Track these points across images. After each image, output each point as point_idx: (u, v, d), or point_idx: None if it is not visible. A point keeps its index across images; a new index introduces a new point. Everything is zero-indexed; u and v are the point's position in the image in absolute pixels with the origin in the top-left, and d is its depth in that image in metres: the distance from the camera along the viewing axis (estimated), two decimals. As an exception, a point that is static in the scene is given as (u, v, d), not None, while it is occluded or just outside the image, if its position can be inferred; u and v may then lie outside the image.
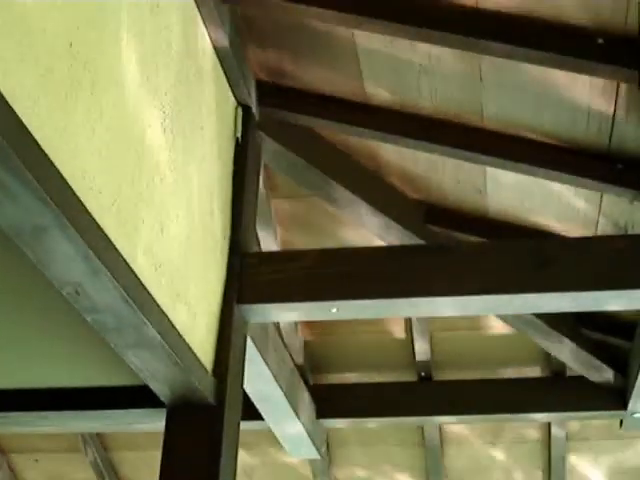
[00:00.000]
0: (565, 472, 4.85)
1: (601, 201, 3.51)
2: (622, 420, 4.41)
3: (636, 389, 3.98)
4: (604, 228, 3.65)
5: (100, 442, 5.01)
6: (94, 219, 2.11)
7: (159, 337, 2.48)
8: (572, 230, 3.80)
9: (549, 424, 4.72)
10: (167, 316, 2.58)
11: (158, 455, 2.93)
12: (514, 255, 3.01)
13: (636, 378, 3.87)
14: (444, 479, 5.00)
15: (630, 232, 3.58)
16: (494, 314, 4.05)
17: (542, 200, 3.74)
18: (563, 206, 3.70)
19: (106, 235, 2.18)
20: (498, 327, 4.35)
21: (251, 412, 3.91)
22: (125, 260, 2.29)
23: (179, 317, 2.68)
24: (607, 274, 2.92)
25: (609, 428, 4.82)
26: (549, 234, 3.88)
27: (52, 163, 1.89)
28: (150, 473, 4.02)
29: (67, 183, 1.97)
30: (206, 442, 2.89)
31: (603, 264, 2.94)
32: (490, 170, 3.60)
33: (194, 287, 2.86)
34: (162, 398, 2.90)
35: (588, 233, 3.73)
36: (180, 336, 2.67)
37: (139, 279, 2.39)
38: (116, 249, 2.24)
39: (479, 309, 3.18)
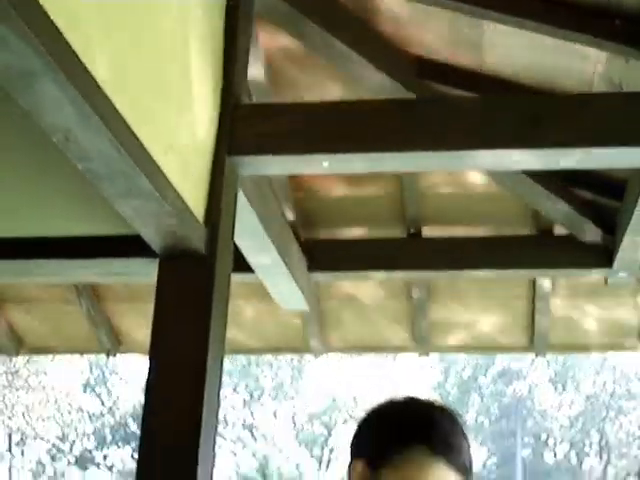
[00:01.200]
0: (549, 327, 4.97)
1: (597, 58, 3.47)
2: (607, 278, 4.49)
3: (623, 248, 4.04)
4: (599, 86, 3.61)
5: (94, 294, 5.09)
6: (84, 65, 2.09)
7: (150, 186, 2.49)
8: (567, 88, 3.77)
9: (534, 281, 4.80)
10: (158, 165, 2.58)
11: (151, 307, 2.99)
12: (507, 111, 3.00)
13: (623, 237, 3.92)
14: (431, 333, 5.12)
15: (625, 90, 3.55)
16: (483, 171, 4.06)
17: (538, 57, 3.70)
18: (559, 63, 3.66)
19: (95, 81, 2.16)
20: (488, 185, 4.37)
21: (242, 264, 3.96)
22: (115, 108, 2.28)
23: (170, 167, 2.68)
24: (603, 131, 2.91)
25: (594, 286, 4.91)
26: (544, 92, 3.85)
27: (41, 7, 1.86)
28: (143, 324, 4.11)
29: (57, 29, 1.94)
30: (198, 292, 2.94)
31: (599, 121, 2.93)
32: (487, 24, 3.53)
33: (186, 138, 2.86)
34: (154, 248, 2.94)
35: (583, 91, 3.70)
36: (171, 186, 2.68)
37: (130, 128, 2.38)
38: (106, 96, 2.23)
39: (467, 165, 3.19)
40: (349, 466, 1.72)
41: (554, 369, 55.71)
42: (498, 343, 5.23)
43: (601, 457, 57.37)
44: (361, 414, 1.86)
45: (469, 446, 1.68)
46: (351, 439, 1.78)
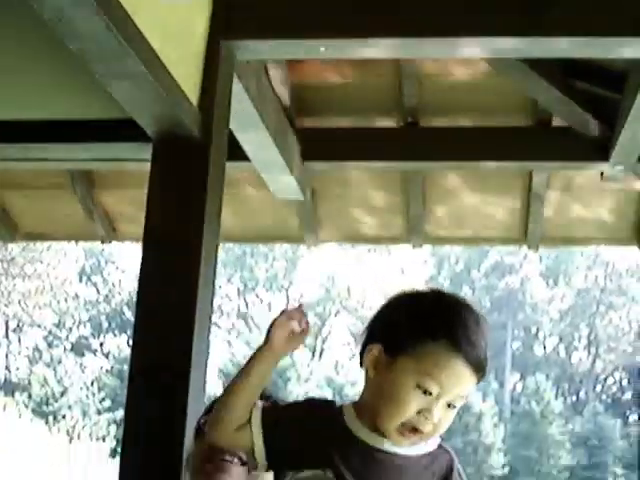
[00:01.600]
0: (543, 220, 4.97)
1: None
2: (603, 172, 4.47)
3: (620, 141, 4.00)
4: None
5: (89, 181, 5.06)
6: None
7: (143, 68, 2.45)
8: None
9: (531, 174, 4.78)
10: (152, 48, 2.53)
11: (145, 194, 2.97)
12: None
13: (621, 130, 3.88)
14: (426, 225, 5.11)
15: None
16: (483, 57, 3.98)
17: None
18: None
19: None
20: (487, 75, 4.30)
21: (237, 153, 3.93)
22: (108, -12, 2.22)
23: (165, 50, 2.63)
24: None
25: (590, 180, 4.89)
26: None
27: None
28: (138, 212, 4.10)
29: None
30: (192, 177, 2.92)
31: (596, 7, 2.86)
32: None
33: (181, 23, 2.80)
34: (148, 132, 2.91)
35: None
36: (165, 69, 2.64)
37: (124, 9, 2.32)
38: (99, -25, 2.17)
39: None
40: (363, 348, 1.74)
41: (546, 263, 56.24)
42: (492, 235, 5.25)
43: (589, 351, 58.39)
44: (370, 302, 1.87)
45: (487, 347, 1.69)
46: (371, 321, 1.79)
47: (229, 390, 1.73)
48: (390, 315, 1.77)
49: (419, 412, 1.66)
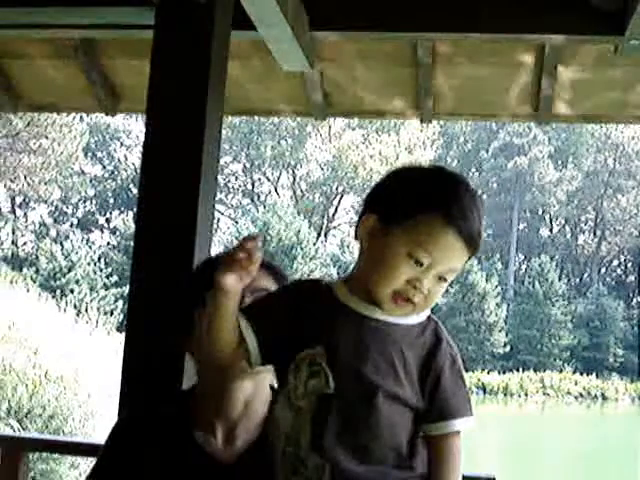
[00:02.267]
0: (555, 95, 4.88)
1: None
2: (617, 46, 4.35)
3: (636, 15, 3.88)
4: None
5: (92, 50, 4.96)
6: None
7: None
8: None
9: (543, 47, 4.66)
10: None
11: (148, 64, 2.89)
12: None
13: (637, 4, 3.75)
14: (435, 99, 5.03)
15: None
16: None
17: None
18: None
19: None
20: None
21: (243, 21, 3.82)
22: None
23: None
24: None
25: (604, 54, 4.76)
26: None
27: None
28: (142, 82, 4.02)
29: None
30: (196, 44, 2.83)
31: None
32: None
33: None
34: (150, -9, 2.81)
35: None
36: None
37: None
38: None
39: None
40: (359, 219, 1.73)
41: (555, 145, 55.97)
42: (503, 111, 5.16)
43: (595, 233, 58.76)
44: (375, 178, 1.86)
45: (482, 226, 1.68)
46: (368, 193, 1.78)
47: (206, 341, 1.77)
48: (387, 186, 1.76)
49: (409, 281, 1.66)
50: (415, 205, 1.67)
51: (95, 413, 11.38)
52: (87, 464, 10.47)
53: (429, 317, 1.75)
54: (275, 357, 1.75)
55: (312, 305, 1.74)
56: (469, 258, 1.72)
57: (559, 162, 56.36)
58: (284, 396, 1.71)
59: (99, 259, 36.40)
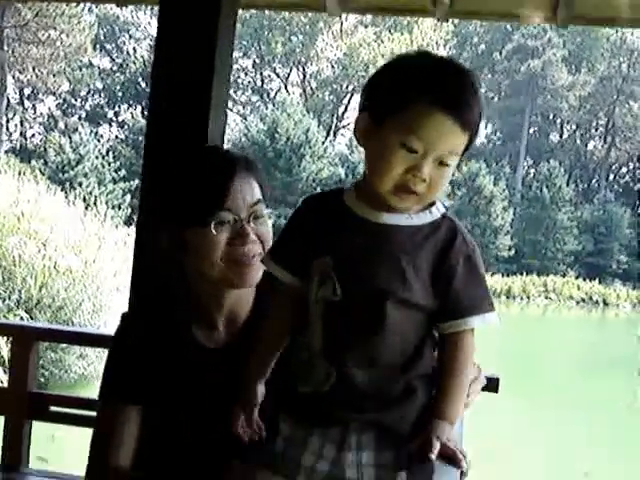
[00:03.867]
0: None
1: None
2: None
3: None
4: None
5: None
6: None
7: None
8: None
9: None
10: None
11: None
12: None
13: None
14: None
15: None
16: None
17: None
18: None
19: None
20: None
21: None
22: None
23: None
24: None
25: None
26: None
27: None
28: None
29: None
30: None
31: None
32: None
33: None
34: None
35: None
36: None
37: None
38: None
39: None
40: (355, 120, 1.70)
41: (570, 48, 55.05)
42: (521, 11, 5.05)
43: (606, 140, 58.27)
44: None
45: (480, 107, 1.64)
46: (361, 91, 1.74)
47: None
48: (374, 82, 1.72)
49: (408, 171, 1.63)
50: (401, 94, 1.63)
51: (104, 306, 11.52)
52: (95, 355, 10.66)
53: (444, 215, 1.72)
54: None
55: (321, 217, 1.74)
56: (470, 142, 1.67)
57: (573, 66, 55.52)
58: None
59: (107, 153, 36.31)
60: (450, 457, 1.59)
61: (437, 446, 1.59)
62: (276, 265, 1.77)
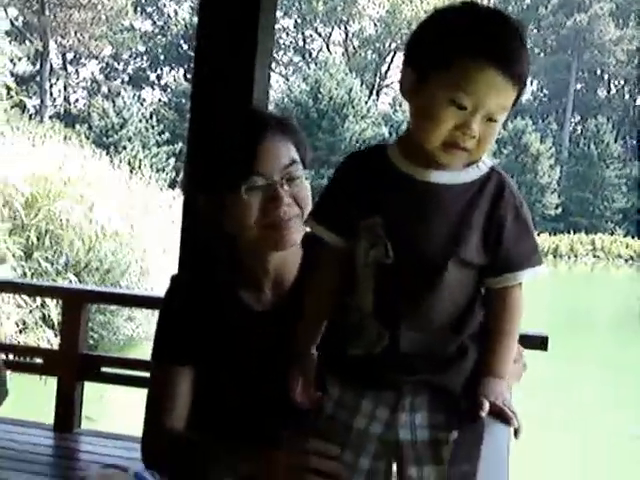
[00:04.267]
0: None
1: None
2: None
3: None
4: None
5: None
6: None
7: None
8: None
9: None
10: None
11: None
12: None
13: None
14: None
15: None
16: None
17: None
18: None
19: None
20: None
21: None
22: None
23: None
24: None
25: None
26: None
27: None
28: None
29: None
30: None
31: None
32: None
33: None
34: None
35: None
36: None
37: None
38: None
39: None
40: (400, 76, 1.66)
41: (616, 1, 53.94)
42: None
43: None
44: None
45: (528, 60, 1.59)
46: (405, 46, 1.70)
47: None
48: (419, 36, 1.67)
49: (457, 128, 1.59)
50: (447, 48, 1.58)
51: (151, 269, 11.63)
52: (143, 317, 10.79)
53: (492, 168, 1.68)
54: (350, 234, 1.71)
55: (366, 174, 1.68)
56: (518, 96, 1.62)
57: (620, 20, 54.42)
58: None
59: (151, 116, 36.44)
60: (500, 414, 1.57)
61: (487, 404, 1.57)
62: (319, 226, 1.73)
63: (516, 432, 1.59)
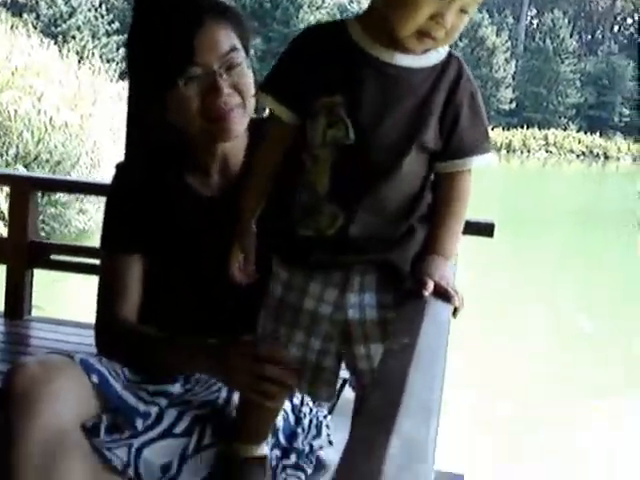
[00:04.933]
0: None
1: None
2: None
3: None
4: None
5: None
6: None
7: None
8: None
9: None
10: None
11: None
12: None
13: None
14: None
15: None
16: None
17: None
18: None
19: None
20: None
21: None
22: None
23: None
24: None
25: None
26: None
27: None
28: None
29: None
30: None
31: None
32: None
33: None
34: None
35: None
36: None
37: None
38: None
39: None
40: None
41: None
42: None
43: (610, -13, 56.78)
44: None
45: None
46: None
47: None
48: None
49: (432, 17, 1.57)
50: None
51: (101, 160, 11.50)
52: (94, 209, 10.72)
53: (450, 53, 1.67)
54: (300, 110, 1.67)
55: (325, 49, 1.63)
56: None
57: None
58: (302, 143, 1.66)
59: (100, 5, 35.41)
60: (443, 294, 1.60)
61: (431, 284, 1.59)
62: (270, 97, 1.67)
63: (455, 311, 1.63)
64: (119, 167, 2.08)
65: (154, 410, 1.81)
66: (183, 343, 1.88)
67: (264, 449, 1.88)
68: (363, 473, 0.81)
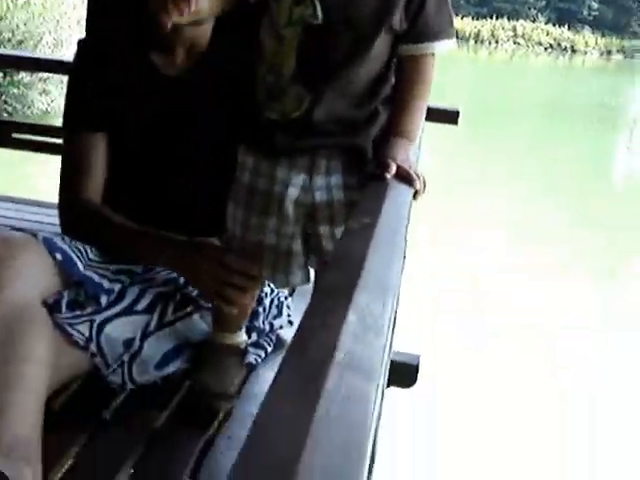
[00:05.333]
0: None
1: None
2: None
3: None
4: None
5: None
6: None
7: None
8: None
9: None
10: None
11: None
12: None
13: None
14: None
15: None
16: None
17: None
18: None
19: None
20: None
21: None
22: None
23: None
24: None
25: None
26: None
27: None
28: None
29: None
30: None
31: None
32: None
33: None
34: None
35: None
36: None
37: None
38: None
39: None
40: None
41: None
42: None
43: None
44: None
45: None
46: None
47: None
48: None
49: None
50: None
51: (65, 40, 11.23)
52: (57, 91, 10.51)
53: None
54: None
55: None
56: None
57: None
58: (267, 23, 1.63)
59: None
60: (404, 177, 1.62)
61: (394, 166, 1.60)
62: None
63: (416, 194, 1.65)
64: (81, 43, 2.03)
65: (117, 287, 1.83)
66: (153, 236, 1.88)
67: (241, 336, 1.92)
68: (319, 343, 0.83)
